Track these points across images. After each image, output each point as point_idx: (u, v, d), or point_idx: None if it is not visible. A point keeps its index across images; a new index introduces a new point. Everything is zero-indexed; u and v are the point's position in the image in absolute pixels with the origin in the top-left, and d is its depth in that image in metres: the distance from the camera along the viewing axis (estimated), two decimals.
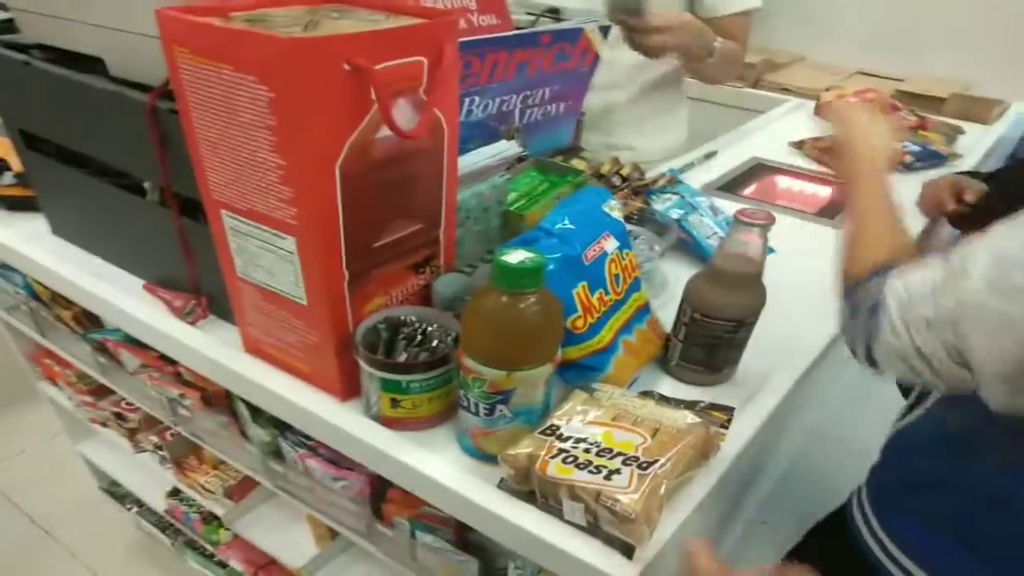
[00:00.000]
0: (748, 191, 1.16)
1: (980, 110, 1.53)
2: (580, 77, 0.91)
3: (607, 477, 0.51)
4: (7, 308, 1.08)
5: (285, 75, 0.45)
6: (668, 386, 0.69)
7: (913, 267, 0.54)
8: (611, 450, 0.53)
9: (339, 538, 0.92)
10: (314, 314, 0.59)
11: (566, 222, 0.60)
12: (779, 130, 1.44)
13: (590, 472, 0.51)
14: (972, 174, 1.08)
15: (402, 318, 0.62)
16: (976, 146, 1.37)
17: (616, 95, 1.24)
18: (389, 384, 0.58)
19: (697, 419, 0.57)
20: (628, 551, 0.50)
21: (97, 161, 0.74)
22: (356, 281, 0.58)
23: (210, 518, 1.13)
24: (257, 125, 0.48)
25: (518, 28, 0.85)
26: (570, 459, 0.52)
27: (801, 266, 0.88)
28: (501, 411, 0.55)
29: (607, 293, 0.62)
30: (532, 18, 0.92)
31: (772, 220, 0.60)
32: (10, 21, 0.76)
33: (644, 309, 0.68)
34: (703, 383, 0.69)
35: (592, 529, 0.51)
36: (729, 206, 0.99)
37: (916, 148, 1.24)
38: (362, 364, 0.59)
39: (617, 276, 0.63)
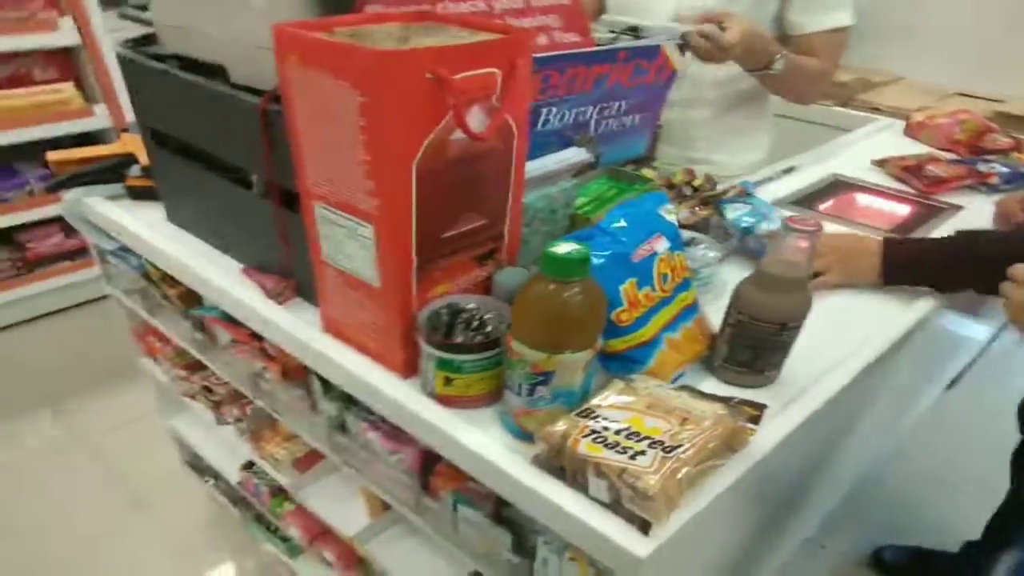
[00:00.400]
0: (824, 206, 1.16)
1: None
2: (657, 91, 0.96)
3: (632, 457, 0.55)
4: (124, 290, 1.23)
5: (375, 83, 0.52)
6: (711, 385, 0.72)
7: None
8: (639, 434, 0.57)
9: (390, 512, 0.98)
10: (384, 296, 0.66)
11: (621, 222, 0.64)
12: (864, 149, 1.43)
13: (617, 452, 0.55)
14: None
15: (463, 305, 0.68)
16: None
17: (698, 111, 1.27)
18: (443, 363, 0.65)
19: (725, 411, 0.60)
20: (645, 527, 0.53)
21: (213, 157, 0.86)
22: (424, 268, 0.65)
23: (277, 491, 1.23)
24: (349, 125, 0.56)
25: (599, 44, 0.91)
26: (600, 439, 0.57)
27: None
28: (541, 392, 0.60)
29: (654, 290, 0.66)
30: (613, 35, 0.98)
31: (820, 228, 0.62)
32: (151, 35, 0.89)
33: (691, 308, 0.71)
34: (745, 384, 0.71)
35: (614, 506, 0.55)
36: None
37: (1004, 170, 1.22)
38: (421, 343, 0.65)
39: (665, 275, 0.67)
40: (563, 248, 0.55)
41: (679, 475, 0.54)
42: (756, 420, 0.62)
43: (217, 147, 0.84)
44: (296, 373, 0.89)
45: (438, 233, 0.64)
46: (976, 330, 1.62)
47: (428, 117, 0.55)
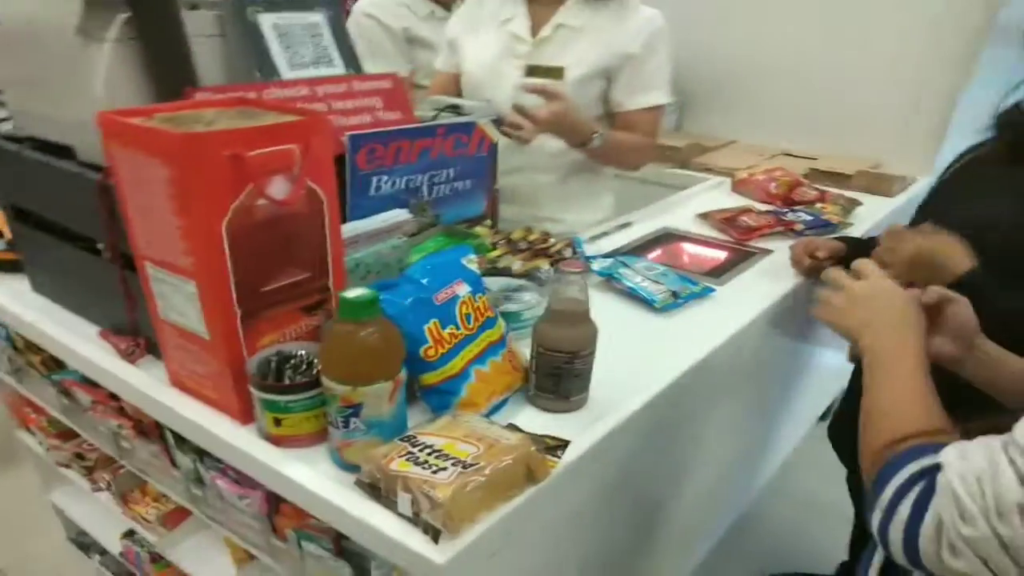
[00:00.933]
0: (653, 255, 1.30)
1: (884, 185, 1.70)
2: (480, 160, 1.09)
3: (434, 472, 0.62)
4: None
5: (179, 160, 0.61)
6: (530, 413, 0.80)
7: (967, 446, 0.53)
8: (448, 455, 0.65)
9: (255, 562, 1.01)
10: (215, 347, 0.72)
11: (425, 271, 0.74)
12: (695, 204, 1.60)
13: (423, 468, 0.63)
14: (843, 238, 1.23)
15: (292, 352, 0.75)
16: (870, 216, 1.52)
17: (541, 175, 1.43)
18: (271, 404, 0.71)
19: (529, 442, 0.68)
20: (436, 536, 0.60)
21: (67, 228, 0.91)
22: (249, 319, 0.72)
23: (157, 558, 1.22)
24: (163, 195, 0.64)
25: (422, 122, 1.03)
26: (412, 458, 0.64)
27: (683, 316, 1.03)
28: (355, 424, 0.67)
29: (458, 328, 0.75)
30: (435, 113, 1.11)
31: (585, 269, 0.73)
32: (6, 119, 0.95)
33: (498, 343, 0.80)
34: (557, 410, 0.80)
35: (415, 519, 0.62)
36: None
37: (808, 218, 1.41)
38: (251, 388, 0.72)
39: (468, 315, 0.76)
40: (353, 293, 0.63)
41: (469, 487, 0.62)
42: (557, 453, 0.70)
43: (68, 218, 0.90)
44: (151, 429, 0.92)
45: (259, 286, 0.71)
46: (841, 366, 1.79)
47: (232, 186, 0.64)
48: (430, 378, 0.74)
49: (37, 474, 1.46)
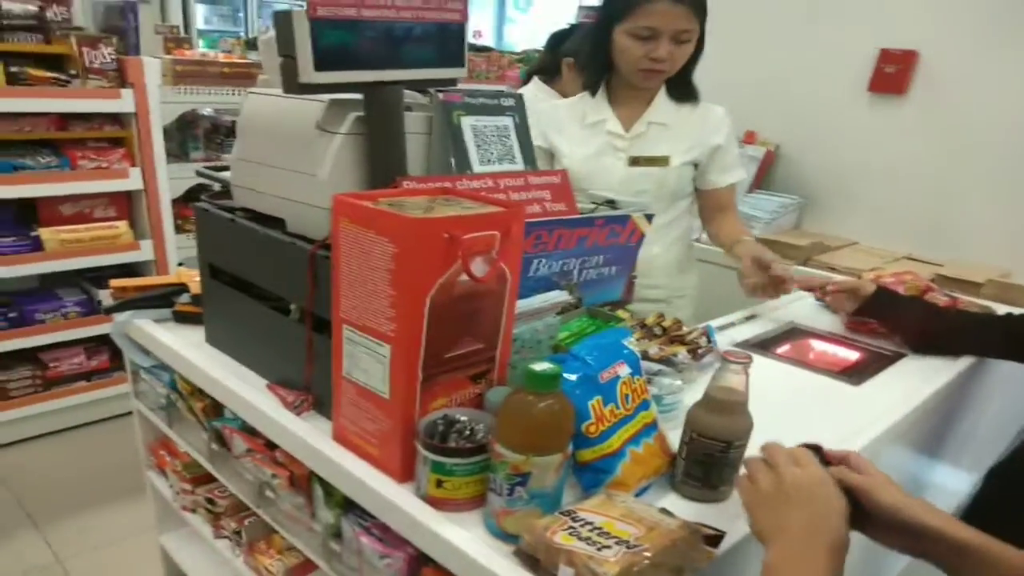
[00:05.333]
0: (781, 350, 1.33)
1: (1014, 294, 1.67)
2: (628, 250, 1.19)
3: (599, 550, 0.65)
4: (149, 405, 1.35)
5: (407, 239, 0.71)
6: (672, 499, 0.82)
7: None
8: (610, 534, 0.67)
9: None
10: (392, 406, 0.80)
11: (591, 350, 0.80)
12: (818, 303, 1.62)
13: (587, 544, 0.65)
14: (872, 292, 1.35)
15: (457, 417, 0.81)
16: None
17: (652, 249, 1.57)
18: (436, 466, 0.76)
19: (687, 529, 0.70)
20: None
21: (259, 288, 1.04)
22: (427, 382, 0.79)
23: None
24: (382, 268, 0.74)
25: (582, 213, 1.14)
26: (574, 533, 0.67)
27: (819, 414, 1.06)
28: (519, 492, 0.71)
29: (618, 408, 0.79)
30: (594, 206, 1.23)
31: (749, 360, 0.77)
32: (226, 190, 1.12)
33: (651, 426, 0.84)
34: (702, 499, 0.81)
35: None
36: (761, 361, 1.19)
37: None
38: (419, 448, 0.77)
39: (627, 396, 0.81)
40: (540, 365, 0.70)
41: (636, 568, 0.64)
42: (714, 543, 0.71)
43: (265, 280, 1.03)
44: (301, 481, 0.99)
45: (442, 353, 0.79)
46: (958, 479, 1.69)
47: (442, 264, 0.73)
48: (587, 454, 0.78)
49: (153, 515, 1.54)
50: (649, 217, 1.18)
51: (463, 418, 0.81)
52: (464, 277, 0.74)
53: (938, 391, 1.20)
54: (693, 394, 1.02)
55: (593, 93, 1.60)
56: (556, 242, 1.03)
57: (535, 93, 2.20)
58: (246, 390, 1.03)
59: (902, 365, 1.29)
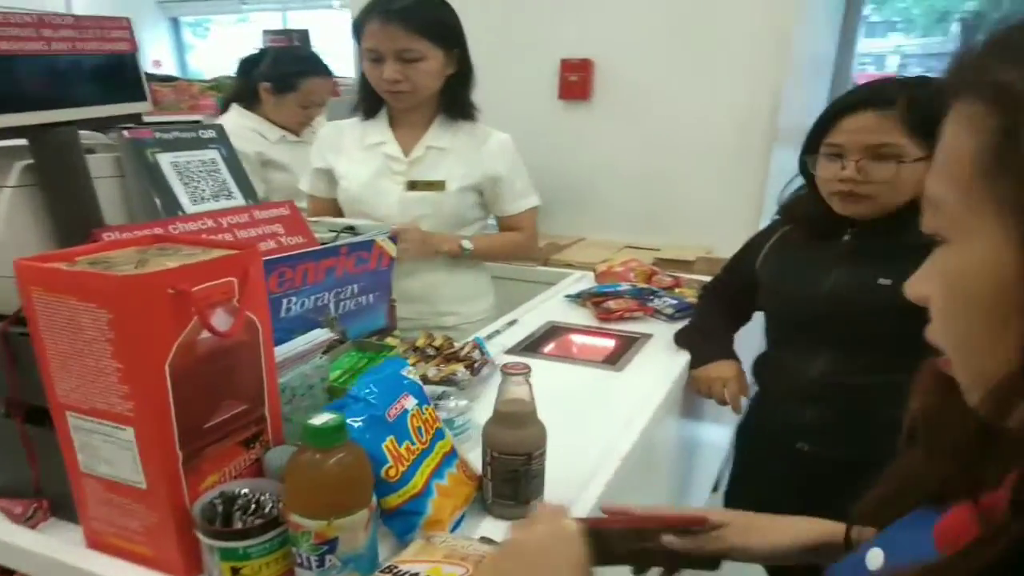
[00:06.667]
0: (548, 348, 1.39)
1: (719, 267, 1.92)
2: (381, 274, 1.15)
3: None
4: None
5: (120, 302, 0.59)
6: (489, 523, 0.80)
7: None
8: None
9: None
10: (153, 496, 0.67)
11: (370, 388, 0.74)
12: (566, 299, 1.73)
13: None
14: None
15: (236, 491, 0.71)
16: None
17: (437, 276, 1.58)
18: (227, 553, 0.65)
19: None
20: None
21: None
22: (190, 461, 0.67)
23: None
24: (98, 339, 0.61)
25: (322, 243, 1.08)
26: None
27: (596, 403, 1.10)
28: (331, 561, 0.64)
29: (413, 443, 0.75)
30: (334, 234, 1.17)
31: (528, 369, 0.78)
32: None
33: (451, 455, 0.81)
34: (518, 516, 0.79)
35: None
36: (533, 363, 1.22)
37: (674, 302, 1.57)
38: (201, 537, 0.66)
39: (419, 428, 0.77)
40: (320, 419, 0.62)
41: None
42: None
43: None
44: None
45: (200, 424, 0.68)
46: (720, 434, 1.96)
47: (174, 324, 0.62)
48: (393, 500, 0.72)
49: None
50: (393, 239, 1.16)
51: (244, 491, 0.71)
52: (206, 334, 0.64)
53: (688, 361, 1.34)
54: (481, 409, 1.02)
55: (366, 116, 1.57)
56: (303, 277, 0.96)
57: (237, 121, 2.08)
58: None
59: (652, 344, 1.41)
